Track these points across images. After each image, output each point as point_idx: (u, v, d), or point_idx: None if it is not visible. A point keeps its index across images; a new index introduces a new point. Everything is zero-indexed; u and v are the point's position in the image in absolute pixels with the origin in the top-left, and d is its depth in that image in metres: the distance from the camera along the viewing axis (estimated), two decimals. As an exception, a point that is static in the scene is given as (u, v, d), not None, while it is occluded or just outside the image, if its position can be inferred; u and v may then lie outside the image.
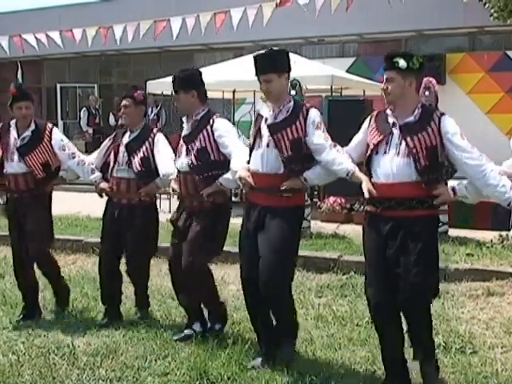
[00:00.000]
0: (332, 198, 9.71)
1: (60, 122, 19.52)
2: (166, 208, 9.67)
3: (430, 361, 4.10)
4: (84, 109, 17.58)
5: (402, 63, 3.93)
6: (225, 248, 5.12)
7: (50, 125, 5.65)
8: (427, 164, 3.90)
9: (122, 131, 5.58)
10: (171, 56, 18.61)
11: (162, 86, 11.94)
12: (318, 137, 4.33)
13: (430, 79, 7.73)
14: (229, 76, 11.48)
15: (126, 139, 5.48)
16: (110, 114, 17.64)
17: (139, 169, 5.33)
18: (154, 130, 5.54)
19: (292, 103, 4.45)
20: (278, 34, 15.18)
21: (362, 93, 12.50)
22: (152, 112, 15.07)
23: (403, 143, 3.94)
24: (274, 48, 4.54)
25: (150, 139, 5.39)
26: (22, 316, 5.63)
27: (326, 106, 9.93)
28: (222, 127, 4.88)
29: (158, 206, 5.85)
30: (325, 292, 6.28)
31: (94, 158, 5.68)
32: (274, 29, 11.75)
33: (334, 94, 11.61)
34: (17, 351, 4.79)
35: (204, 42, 15.67)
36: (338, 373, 4.31)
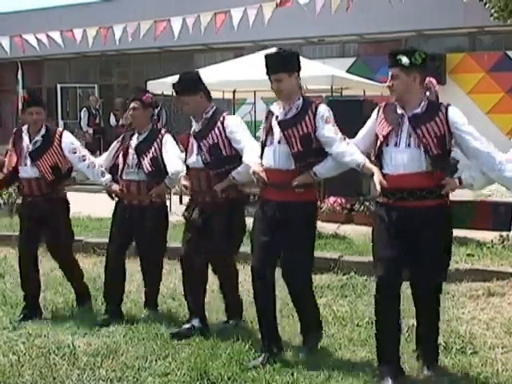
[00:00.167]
0: (332, 199, 9.70)
1: (60, 122, 19.51)
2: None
3: (432, 362, 4.27)
4: (84, 109, 17.57)
5: (405, 60, 4.05)
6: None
7: (60, 129, 5.83)
8: (439, 152, 4.04)
9: (129, 133, 5.66)
10: (171, 56, 18.61)
11: (162, 86, 11.93)
12: (328, 130, 4.45)
13: (431, 79, 7.71)
14: (229, 76, 11.49)
15: (134, 141, 5.55)
16: (111, 114, 17.62)
17: (149, 169, 5.41)
18: (162, 131, 5.61)
19: (301, 100, 4.56)
20: (279, 34, 15.17)
21: (363, 93, 12.50)
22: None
23: (413, 134, 4.07)
24: (285, 48, 4.65)
25: (159, 140, 5.47)
26: (22, 316, 5.65)
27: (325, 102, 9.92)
28: (233, 123, 5.02)
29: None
30: (325, 292, 6.28)
31: (103, 160, 5.77)
32: (274, 29, 11.74)
33: (334, 94, 11.61)
34: (17, 351, 4.79)
35: (204, 42, 15.67)
36: (338, 373, 4.31)
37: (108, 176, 5.62)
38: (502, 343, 4.92)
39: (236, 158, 4.92)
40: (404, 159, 4.07)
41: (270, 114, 4.67)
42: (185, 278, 5.20)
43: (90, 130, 17.02)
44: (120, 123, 17.35)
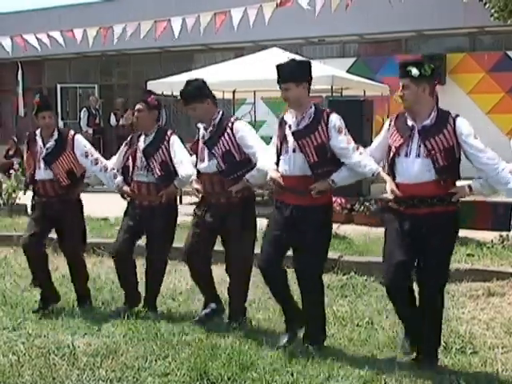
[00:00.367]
0: (332, 199, 9.69)
1: (60, 122, 19.47)
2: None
3: (431, 359, 4.34)
4: (84, 109, 17.57)
5: (415, 72, 4.27)
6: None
7: (72, 132, 5.92)
8: (445, 164, 4.24)
9: (136, 135, 5.74)
10: (171, 56, 18.60)
11: (162, 86, 11.95)
12: (341, 141, 4.62)
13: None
14: (229, 76, 11.49)
15: (141, 144, 5.63)
16: (111, 114, 17.63)
17: (159, 174, 5.52)
18: (168, 133, 5.67)
19: (313, 109, 4.72)
20: (279, 34, 15.16)
21: (363, 93, 12.50)
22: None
23: (422, 146, 4.27)
24: (298, 58, 4.86)
25: (166, 142, 5.56)
26: (39, 308, 5.81)
27: (326, 106, 9.91)
28: (242, 129, 5.17)
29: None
30: (325, 292, 6.26)
31: (113, 163, 5.88)
32: (274, 29, 11.75)
33: (334, 94, 11.61)
34: (17, 351, 4.78)
35: (204, 42, 15.65)
36: (338, 373, 4.31)
37: (120, 178, 5.73)
38: (502, 343, 4.92)
39: (248, 161, 5.12)
40: (414, 169, 4.28)
41: (283, 122, 4.82)
42: (191, 271, 5.41)
43: (90, 130, 17.01)
44: (120, 123, 17.38)
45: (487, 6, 12.52)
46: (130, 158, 5.66)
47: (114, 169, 5.79)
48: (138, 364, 4.51)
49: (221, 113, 5.27)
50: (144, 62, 19.32)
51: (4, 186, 10.95)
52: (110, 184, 5.76)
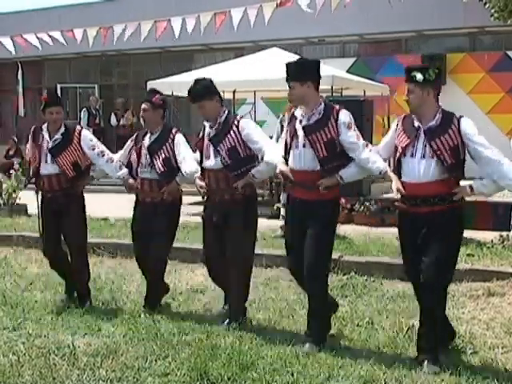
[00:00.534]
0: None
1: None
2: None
3: (430, 356, 4.38)
4: (84, 109, 17.58)
5: (419, 77, 4.42)
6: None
7: (78, 127, 6.08)
8: (453, 162, 4.38)
9: (142, 132, 5.85)
10: (171, 56, 18.60)
11: (162, 86, 11.90)
12: (351, 136, 4.75)
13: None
14: (229, 76, 11.50)
15: (146, 141, 5.74)
16: (112, 114, 17.63)
17: (162, 169, 5.61)
18: (173, 131, 5.75)
19: (323, 105, 4.84)
20: (279, 34, 15.17)
21: (363, 93, 12.52)
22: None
23: (428, 146, 4.42)
24: (307, 58, 5.01)
25: (170, 140, 5.67)
26: (66, 297, 6.09)
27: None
28: (247, 126, 5.31)
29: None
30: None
31: (119, 157, 5.98)
32: (274, 29, 11.75)
33: (334, 94, 11.63)
34: (17, 351, 4.78)
35: (204, 42, 15.66)
36: (338, 373, 4.31)
37: (125, 170, 5.85)
38: (501, 343, 4.92)
39: (253, 157, 5.29)
40: (419, 169, 4.43)
41: (293, 117, 4.95)
42: (210, 273, 5.57)
43: (90, 130, 16.90)
44: (121, 123, 17.39)
45: (487, 5, 12.52)
46: (135, 154, 5.76)
47: (119, 161, 5.91)
48: (138, 364, 4.51)
49: (226, 111, 5.39)
50: (144, 62, 19.32)
51: (4, 185, 10.96)
52: (115, 174, 5.89)
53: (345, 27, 15.47)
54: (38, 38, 10.06)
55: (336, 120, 4.75)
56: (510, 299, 5.93)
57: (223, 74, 11.47)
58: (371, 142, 8.48)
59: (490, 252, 7.37)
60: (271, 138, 5.08)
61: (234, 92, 13.38)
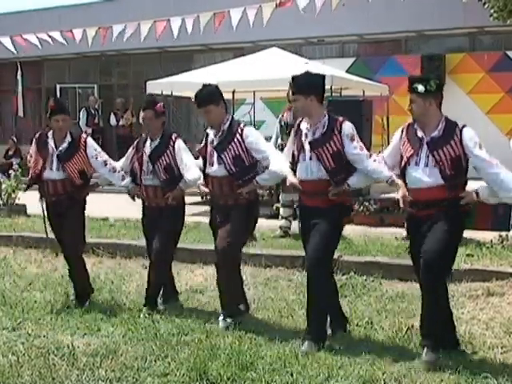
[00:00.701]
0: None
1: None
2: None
3: (430, 343, 4.48)
4: (83, 109, 17.58)
5: (421, 88, 4.57)
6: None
7: (84, 135, 6.14)
8: (452, 173, 4.55)
9: (142, 140, 5.90)
10: (171, 56, 18.60)
11: (161, 86, 11.94)
12: (354, 148, 4.88)
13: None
14: (228, 76, 11.48)
15: (147, 149, 5.79)
16: (111, 114, 17.63)
17: (164, 177, 5.68)
18: (173, 137, 5.80)
19: (326, 118, 4.95)
20: (278, 34, 15.16)
21: (362, 93, 12.50)
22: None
23: (430, 156, 4.58)
24: (312, 72, 5.09)
25: (171, 146, 5.72)
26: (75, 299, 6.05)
27: (325, 106, 9.91)
28: (251, 135, 5.35)
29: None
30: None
31: (121, 165, 6.05)
32: (273, 29, 11.74)
33: (333, 94, 11.60)
34: (16, 352, 4.78)
35: (204, 42, 15.66)
36: (337, 373, 4.31)
37: (128, 179, 5.92)
38: (501, 343, 4.92)
39: (256, 164, 5.35)
40: (422, 176, 4.60)
41: (298, 130, 5.08)
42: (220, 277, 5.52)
43: (89, 130, 16.99)
44: (120, 123, 17.38)
45: (486, 5, 12.52)
46: (137, 162, 5.82)
47: (122, 170, 5.98)
48: (138, 364, 4.51)
49: (230, 118, 5.45)
50: (144, 62, 19.32)
51: (4, 186, 10.95)
52: (119, 183, 5.97)
53: (344, 27, 15.46)
54: (37, 37, 10.07)
55: (340, 132, 4.86)
56: (510, 299, 5.92)
57: (222, 74, 11.46)
58: (370, 142, 8.47)
59: (490, 252, 7.37)
60: (271, 138, 5.09)
61: (233, 92, 13.34)
